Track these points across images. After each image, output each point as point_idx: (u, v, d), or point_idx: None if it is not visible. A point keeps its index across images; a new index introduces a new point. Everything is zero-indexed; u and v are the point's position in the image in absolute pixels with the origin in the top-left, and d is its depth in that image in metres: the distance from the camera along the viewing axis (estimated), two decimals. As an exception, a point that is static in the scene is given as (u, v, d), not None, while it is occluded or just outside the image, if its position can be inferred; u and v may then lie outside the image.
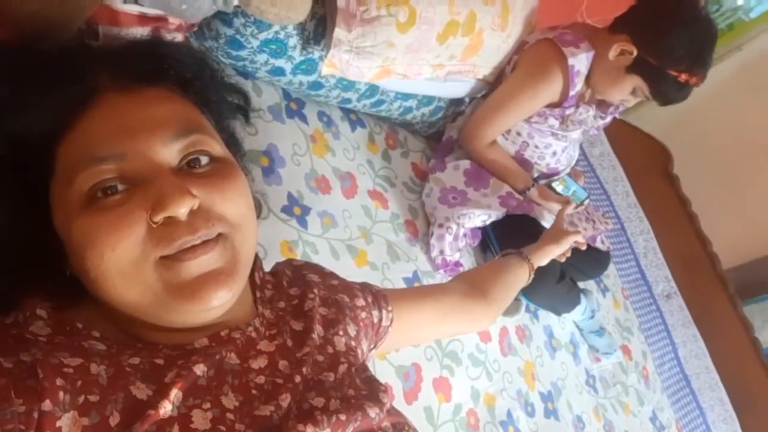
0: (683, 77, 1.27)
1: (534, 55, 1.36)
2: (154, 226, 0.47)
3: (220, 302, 0.49)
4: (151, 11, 0.79)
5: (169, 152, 0.50)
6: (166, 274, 0.48)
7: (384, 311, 0.80)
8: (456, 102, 1.52)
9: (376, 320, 0.78)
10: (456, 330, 1.05)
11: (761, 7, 3.12)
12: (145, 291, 0.48)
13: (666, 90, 1.31)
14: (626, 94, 1.35)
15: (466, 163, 1.42)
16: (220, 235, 0.50)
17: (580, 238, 1.12)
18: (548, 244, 1.09)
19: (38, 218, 0.50)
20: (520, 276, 1.04)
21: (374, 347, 0.79)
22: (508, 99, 1.37)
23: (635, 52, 1.29)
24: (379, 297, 0.80)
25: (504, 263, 1.05)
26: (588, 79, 1.37)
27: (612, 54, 1.31)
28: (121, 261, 0.46)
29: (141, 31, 0.77)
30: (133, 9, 0.77)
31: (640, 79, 1.31)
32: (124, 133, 0.48)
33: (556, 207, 1.41)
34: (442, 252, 1.33)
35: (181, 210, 0.47)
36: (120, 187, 0.48)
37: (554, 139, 1.44)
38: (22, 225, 0.51)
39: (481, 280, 0.98)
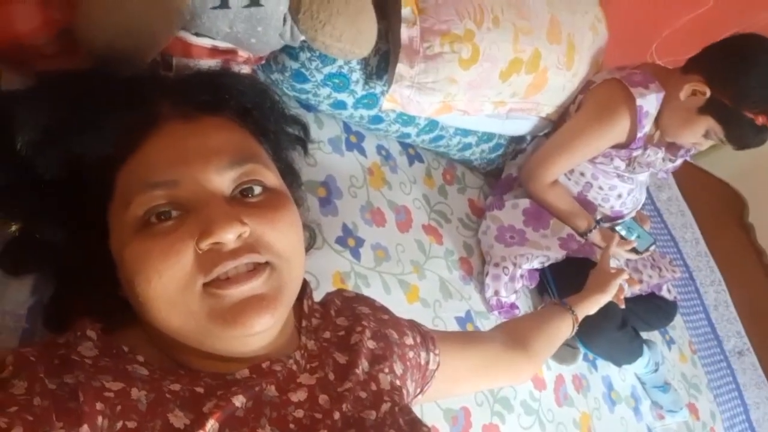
0: (761, 120, 1.20)
1: (601, 94, 1.32)
2: (200, 252, 0.47)
3: (263, 328, 0.49)
4: (222, 44, 0.82)
5: (223, 180, 0.50)
6: (210, 301, 0.48)
7: (432, 354, 0.77)
8: (517, 140, 1.50)
9: (423, 362, 0.75)
10: (495, 383, 1.00)
11: None
12: (189, 318, 0.48)
13: (742, 133, 1.24)
14: (698, 136, 1.28)
15: (525, 202, 1.39)
16: (267, 263, 0.50)
17: (625, 277, 1.06)
18: (593, 293, 1.04)
19: (95, 240, 0.52)
20: (563, 328, 0.98)
21: (420, 392, 0.76)
22: (572, 138, 1.33)
23: (708, 93, 1.23)
24: (427, 338, 0.78)
25: (546, 314, 1.00)
26: (658, 120, 1.32)
27: (683, 94, 1.26)
28: (168, 288, 0.47)
29: (212, 63, 0.81)
30: (206, 42, 0.80)
31: (713, 121, 1.24)
32: (180, 160, 0.49)
33: (619, 252, 1.35)
34: (497, 293, 1.29)
35: (228, 236, 0.47)
36: (173, 213, 0.48)
37: (620, 181, 1.39)
38: (79, 246, 0.53)
39: (521, 331, 0.94)
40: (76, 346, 0.49)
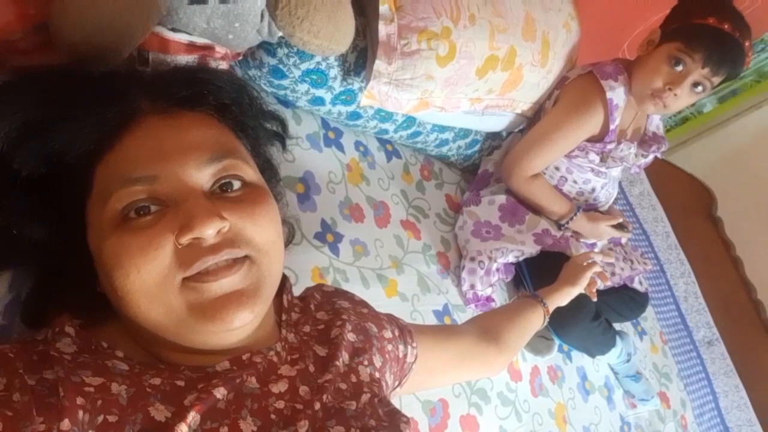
0: (712, 21, 1.21)
1: (575, 88, 1.35)
2: (180, 247, 0.48)
3: (242, 323, 0.50)
4: (199, 40, 0.82)
5: (202, 175, 0.51)
6: (189, 295, 0.48)
7: (410, 347, 0.78)
8: (493, 136, 1.52)
9: (401, 355, 0.77)
10: (469, 375, 1.02)
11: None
12: (168, 312, 0.48)
13: (703, 40, 1.21)
14: (666, 67, 1.26)
15: (501, 198, 1.41)
16: (246, 257, 0.51)
17: (597, 269, 1.09)
18: (565, 285, 1.07)
19: (73, 236, 0.52)
20: (535, 320, 1.01)
21: (399, 385, 0.78)
22: (550, 132, 1.36)
23: (659, 31, 1.29)
24: (404, 331, 0.79)
25: (518, 307, 1.03)
26: (631, 100, 1.37)
27: (640, 48, 1.33)
28: (147, 282, 0.47)
29: (189, 59, 0.80)
30: (183, 38, 0.80)
31: (672, 44, 1.25)
32: (159, 156, 0.50)
33: (606, 231, 1.41)
34: (473, 286, 1.31)
35: (208, 231, 0.47)
36: (152, 208, 0.49)
37: (593, 175, 1.42)
38: (57, 242, 0.52)
39: (494, 325, 0.96)
40: (54, 342, 0.49)
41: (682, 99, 1.29)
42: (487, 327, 0.95)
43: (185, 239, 0.47)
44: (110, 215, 0.48)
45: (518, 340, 0.99)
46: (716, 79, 1.26)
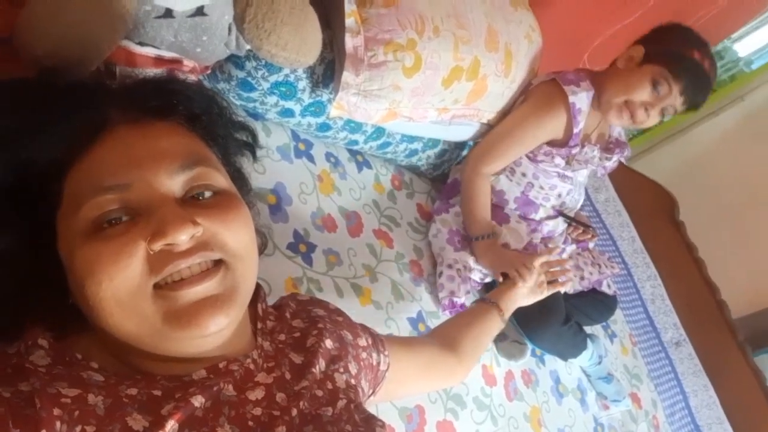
0: (697, 55, 1.28)
1: (538, 92, 1.40)
2: (151, 254, 0.48)
3: (218, 328, 0.50)
4: (167, 54, 0.82)
5: (174, 183, 0.51)
6: (163, 304, 0.48)
7: (382, 355, 0.80)
8: (461, 145, 1.55)
9: (374, 363, 0.78)
10: (434, 384, 1.04)
11: (762, 60, 3.20)
12: (142, 321, 0.48)
13: (687, 72, 1.29)
14: (648, 87, 1.31)
15: None
16: (221, 262, 0.51)
17: (542, 259, 1.16)
18: (509, 285, 1.13)
19: (42, 248, 0.51)
20: (490, 324, 1.05)
21: (373, 393, 0.79)
22: (513, 129, 1.39)
23: (643, 49, 1.33)
24: (377, 340, 0.81)
25: (472, 314, 1.07)
26: (597, 107, 1.41)
27: (621, 61, 1.36)
28: (119, 291, 0.47)
29: (157, 72, 0.81)
30: (150, 51, 0.80)
31: (656, 66, 1.30)
32: (131, 164, 0.50)
33: (512, 263, 1.25)
34: (452, 293, 1.31)
35: (181, 237, 0.47)
36: (124, 218, 0.49)
37: (560, 181, 1.45)
38: (26, 254, 0.52)
39: (450, 335, 0.99)
40: (28, 355, 0.48)
41: (650, 119, 1.36)
42: (446, 337, 0.98)
43: (158, 245, 0.47)
44: (82, 224, 0.48)
45: (474, 348, 1.01)
46: (682, 108, 1.34)
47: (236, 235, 0.53)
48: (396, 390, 0.86)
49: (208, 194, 0.54)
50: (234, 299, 0.52)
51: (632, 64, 1.34)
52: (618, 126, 1.48)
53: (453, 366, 0.95)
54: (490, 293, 1.09)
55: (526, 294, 1.16)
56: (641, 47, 1.34)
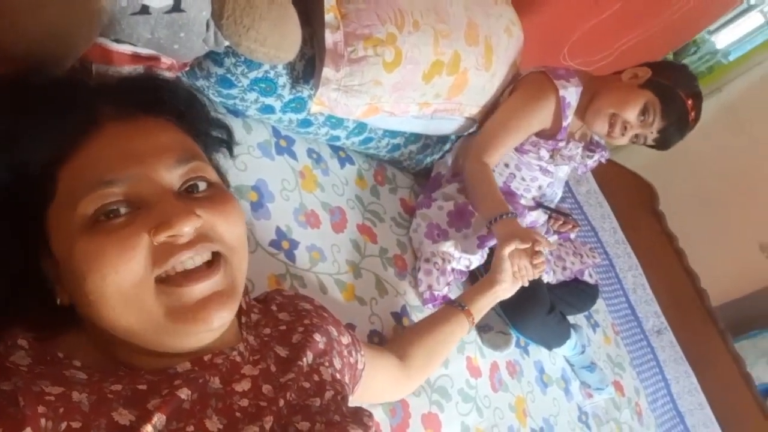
0: (689, 103, 1.33)
1: (529, 81, 1.41)
2: (155, 245, 0.48)
3: (221, 322, 0.51)
4: (144, 51, 0.81)
5: (172, 177, 0.52)
6: (167, 300, 0.49)
7: (359, 355, 0.82)
8: (443, 140, 1.56)
9: (353, 361, 0.79)
10: (388, 395, 1.03)
11: (738, 51, 3.25)
12: (145, 316, 0.49)
13: (675, 111, 1.34)
14: (638, 109, 1.35)
15: (449, 205, 1.44)
16: (220, 256, 0.52)
17: (512, 247, 1.14)
18: (485, 280, 1.13)
19: (27, 248, 0.51)
20: (454, 330, 1.06)
21: (351, 392, 0.80)
22: (508, 119, 1.39)
23: (650, 73, 1.36)
24: (355, 340, 0.83)
25: (439, 319, 1.07)
26: (581, 113, 1.42)
27: (626, 75, 1.39)
28: (124, 283, 0.47)
29: (135, 70, 0.80)
30: (127, 48, 0.79)
31: (653, 95, 1.34)
32: (130, 159, 0.50)
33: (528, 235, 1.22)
34: (430, 287, 1.33)
35: (186, 229, 0.48)
36: (123, 210, 0.49)
37: (540, 174, 1.47)
38: (9, 255, 0.51)
39: (406, 345, 1.01)
40: (8, 355, 0.48)
41: (622, 139, 1.40)
42: (403, 349, 1.00)
43: (162, 236, 0.48)
44: (80, 219, 0.48)
45: (430, 361, 1.03)
46: (651, 143, 1.41)
47: (232, 226, 0.54)
48: (363, 394, 0.88)
49: (202, 187, 0.55)
50: (235, 293, 0.53)
51: (634, 82, 1.37)
52: (594, 132, 1.49)
53: (404, 383, 0.99)
54: (463, 294, 1.08)
55: (507, 287, 1.16)
56: (649, 71, 1.37)
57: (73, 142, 0.50)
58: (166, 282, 0.49)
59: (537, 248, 1.15)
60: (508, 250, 1.15)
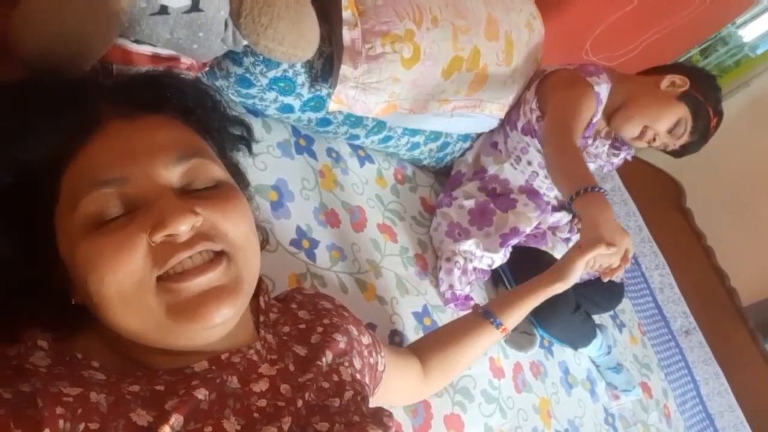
0: (714, 122, 1.37)
1: (564, 76, 1.38)
2: (153, 245, 0.47)
3: (223, 319, 0.50)
4: (164, 51, 0.82)
5: (171, 175, 0.51)
6: (167, 297, 0.48)
7: (379, 356, 0.81)
8: (463, 137, 1.54)
9: (373, 362, 0.78)
10: (407, 399, 1.02)
11: (766, 45, 3.16)
12: (147, 316, 0.48)
13: (703, 128, 1.37)
14: (671, 124, 1.37)
15: (470, 203, 1.42)
16: (223, 253, 0.51)
17: (593, 253, 0.99)
18: (548, 279, 1.03)
19: (40, 248, 0.51)
20: (482, 341, 0.99)
21: (371, 394, 0.78)
22: (567, 105, 1.29)
23: (688, 85, 1.35)
24: (375, 341, 0.82)
25: (463, 330, 1.01)
26: (608, 112, 1.40)
27: (664, 83, 1.37)
28: (123, 284, 0.47)
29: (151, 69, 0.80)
30: (146, 49, 0.80)
31: (687, 110, 1.35)
32: (127, 158, 0.50)
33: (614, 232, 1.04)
34: (451, 286, 1.31)
35: (182, 228, 0.47)
36: (122, 210, 0.49)
37: (563, 172, 1.44)
38: (23, 255, 0.52)
39: (430, 348, 0.99)
40: (28, 356, 0.48)
41: (645, 144, 1.43)
42: (425, 356, 0.98)
43: (159, 236, 0.47)
44: (80, 220, 0.48)
45: (454, 368, 1.00)
46: (669, 149, 1.44)
47: (236, 224, 0.53)
48: (384, 395, 0.86)
49: (205, 185, 0.54)
50: (238, 290, 0.52)
51: (672, 92, 1.36)
52: (621, 133, 1.45)
53: (422, 387, 0.98)
54: (505, 299, 1.01)
55: (565, 286, 1.03)
56: (687, 81, 1.36)
57: (75, 142, 0.50)
58: (166, 280, 0.48)
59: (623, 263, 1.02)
60: (590, 256, 0.99)
